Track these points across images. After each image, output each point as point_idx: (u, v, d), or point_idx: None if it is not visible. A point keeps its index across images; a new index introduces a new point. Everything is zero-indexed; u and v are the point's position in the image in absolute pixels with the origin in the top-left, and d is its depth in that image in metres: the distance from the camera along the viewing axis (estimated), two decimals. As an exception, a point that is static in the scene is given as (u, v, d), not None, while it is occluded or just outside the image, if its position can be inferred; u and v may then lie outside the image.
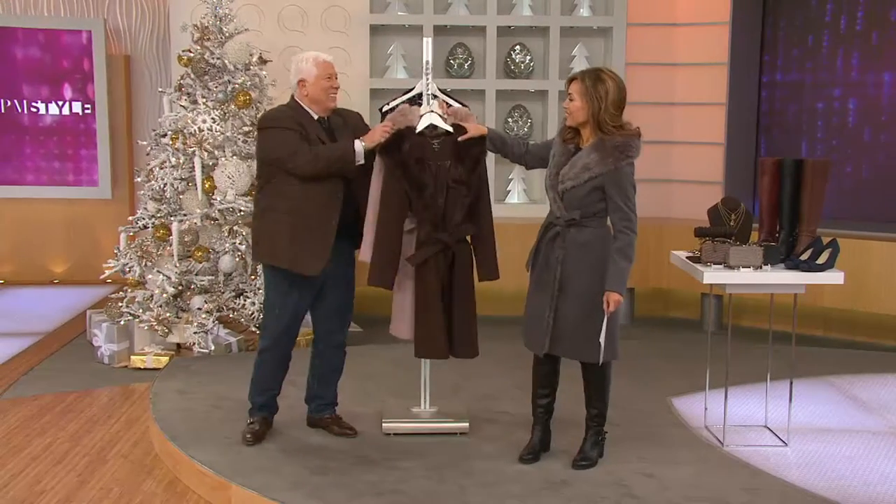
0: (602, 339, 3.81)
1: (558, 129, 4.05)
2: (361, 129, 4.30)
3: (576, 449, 4.08)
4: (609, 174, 3.75)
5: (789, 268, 4.27)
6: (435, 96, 4.36)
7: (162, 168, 6.26)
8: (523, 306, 4.10)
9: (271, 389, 4.36)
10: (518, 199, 7.66)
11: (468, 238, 4.31)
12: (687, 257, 4.52)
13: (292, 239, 4.08)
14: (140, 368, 5.80)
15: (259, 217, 4.22)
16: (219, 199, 6.05)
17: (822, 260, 4.24)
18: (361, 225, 4.25)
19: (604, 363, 3.93)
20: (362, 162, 4.10)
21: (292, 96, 4.24)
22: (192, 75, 6.27)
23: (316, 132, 4.15)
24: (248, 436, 4.26)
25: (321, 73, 4.19)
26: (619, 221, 3.78)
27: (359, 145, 4.07)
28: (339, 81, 4.27)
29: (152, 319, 5.87)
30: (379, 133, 4.10)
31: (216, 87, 6.24)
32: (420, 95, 4.39)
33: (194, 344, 5.89)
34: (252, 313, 6.01)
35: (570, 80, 3.86)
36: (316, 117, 4.20)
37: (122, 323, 5.99)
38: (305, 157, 4.03)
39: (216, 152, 6.09)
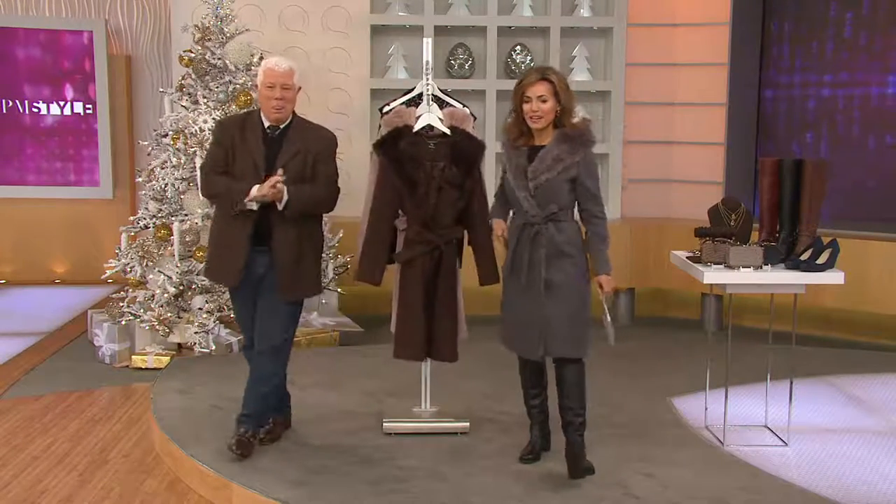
0: (609, 327, 3.83)
1: (503, 140, 3.97)
2: (317, 151, 4.02)
3: None
4: (582, 162, 3.80)
5: (789, 268, 4.27)
6: (435, 97, 4.37)
7: (163, 168, 6.27)
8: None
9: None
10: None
11: (456, 240, 4.30)
12: (687, 257, 4.53)
13: (212, 251, 4.16)
14: (141, 368, 5.81)
15: None
16: (220, 199, 6.07)
17: (822, 260, 4.25)
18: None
19: (581, 360, 3.92)
20: (253, 208, 3.89)
21: None
22: (193, 75, 6.28)
23: (253, 142, 3.97)
24: (262, 436, 4.24)
25: (263, 80, 3.97)
26: (594, 207, 3.86)
27: (254, 192, 3.86)
28: (288, 93, 3.95)
29: (153, 319, 5.88)
30: (266, 189, 3.84)
31: (217, 87, 6.25)
32: (420, 96, 4.39)
33: (195, 344, 5.90)
34: (253, 313, 6.02)
35: (533, 83, 3.78)
36: (267, 124, 4.01)
37: (123, 323, 6.00)
38: (204, 179, 4.07)
39: (217, 152, 6.10)
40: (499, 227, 3.98)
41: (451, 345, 4.30)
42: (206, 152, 4.27)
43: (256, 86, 4.06)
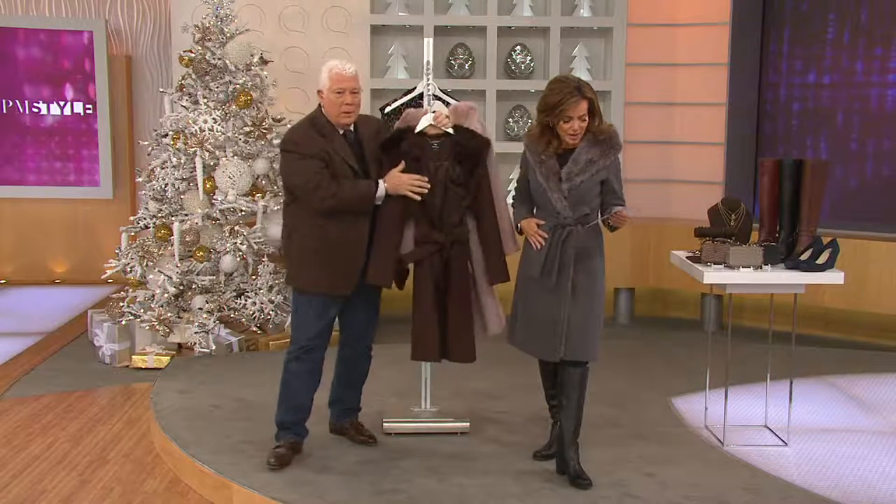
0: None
1: (525, 146, 4.01)
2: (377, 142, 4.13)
3: (582, 451, 3.96)
4: (612, 164, 3.93)
5: (789, 268, 4.27)
6: (436, 97, 4.37)
7: (163, 168, 6.28)
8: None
9: (302, 406, 4.11)
10: (518, 199, 7.67)
11: (467, 239, 4.30)
12: (687, 257, 4.53)
13: (321, 262, 3.98)
14: (141, 368, 5.81)
15: (287, 238, 4.11)
16: (220, 199, 6.07)
17: (822, 260, 4.25)
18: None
19: (587, 364, 3.92)
20: (379, 203, 4.03)
21: (320, 103, 4.06)
22: (194, 75, 6.28)
23: (340, 147, 3.97)
24: (272, 460, 3.98)
25: (332, 86, 3.93)
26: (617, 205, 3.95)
27: (381, 189, 3.98)
28: (357, 97, 3.97)
29: (153, 319, 5.88)
30: (405, 185, 4.00)
31: (217, 87, 6.25)
32: (421, 96, 4.39)
33: (195, 344, 5.90)
34: (253, 313, 6.02)
35: (576, 104, 3.77)
36: (341, 131, 4.01)
37: (123, 323, 6.00)
38: (323, 194, 3.89)
39: (217, 152, 6.10)
40: (532, 223, 3.99)
41: (466, 345, 4.25)
42: (292, 171, 3.98)
43: (321, 92, 3.95)
